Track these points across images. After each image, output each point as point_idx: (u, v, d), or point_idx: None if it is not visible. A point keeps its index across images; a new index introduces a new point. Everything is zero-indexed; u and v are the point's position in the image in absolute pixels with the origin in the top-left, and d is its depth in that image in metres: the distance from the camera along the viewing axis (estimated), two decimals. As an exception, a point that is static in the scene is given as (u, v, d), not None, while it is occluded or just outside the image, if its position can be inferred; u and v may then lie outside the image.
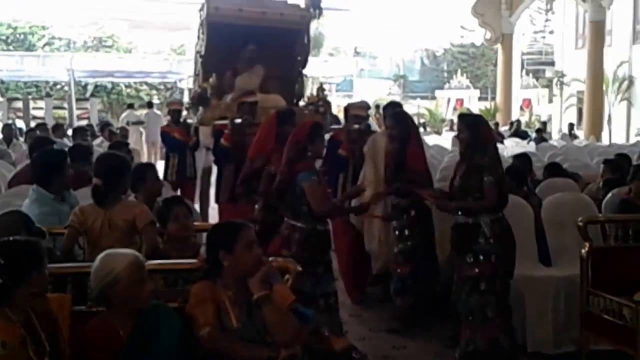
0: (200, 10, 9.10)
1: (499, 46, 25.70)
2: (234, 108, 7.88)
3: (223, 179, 7.71)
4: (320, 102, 8.85)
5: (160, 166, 9.41)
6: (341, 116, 20.55)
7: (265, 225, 5.75)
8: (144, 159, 17.23)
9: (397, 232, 6.41)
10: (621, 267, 5.39)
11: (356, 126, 7.32)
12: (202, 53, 9.05)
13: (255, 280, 3.60)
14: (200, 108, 8.82)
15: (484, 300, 5.31)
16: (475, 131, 5.45)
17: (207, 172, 10.65)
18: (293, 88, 9.48)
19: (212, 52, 8.93)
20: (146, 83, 32.74)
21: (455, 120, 27.22)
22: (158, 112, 21.19)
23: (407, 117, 6.72)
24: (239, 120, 7.45)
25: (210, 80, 8.58)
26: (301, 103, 9.48)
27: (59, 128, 13.07)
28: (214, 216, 9.14)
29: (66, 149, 6.93)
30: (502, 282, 5.39)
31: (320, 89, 9.14)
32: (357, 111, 7.56)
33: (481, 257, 5.30)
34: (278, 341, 3.61)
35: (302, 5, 9.43)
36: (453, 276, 5.65)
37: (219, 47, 8.88)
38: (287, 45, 9.40)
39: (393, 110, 6.91)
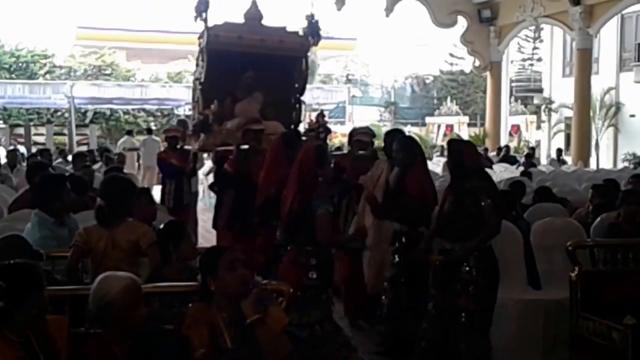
0: (200, 37, 9.09)
1: (487, 74, 25.76)
2: (238, 135, 7.84)
3: (222, 205, 7.67)
4: (321, 128, 8.80)
5: (157, 191, 9.38)
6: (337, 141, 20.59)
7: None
8: (140, 183, 17.21)
9: (391, 258, 6.20)
10: (610, 291, 5.38)
11: (361, 152, 7.28)
12: (202, 80, 9.02)
13: (247, 304, 3.60)
14: (202, 134, 8.78)
15: (461, 333, 5.18)
16: (458, 156, 5.39)
17: (195, 196, 10.63)
18: (291, 114, 9.46)
19: (212, 79, 8.90)
20: (144, 110, 32.72)
21: (446, 146, 27.35)
22: (156, 138, 21.23)
23: (413, 144, 6.41)
24: (245, 147, 7.41)
25: (212, 107, 8.54)
26: (299, 129, 9.44)
27: (78, 157, 12.51)
28: (211, 240, 9.12)
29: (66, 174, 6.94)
30: (480, 316, 5.20)
31: (321, 115, 9.10)
32: (360, 137, 7.55)
33: (458, 287, 5.18)
34: None
35: (301, 33, 9.42)
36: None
37: (218, 74, 8.85)
38: (286, 72, 9.38)
39: (400, 136, 6.71)
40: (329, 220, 4.99)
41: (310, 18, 9.22)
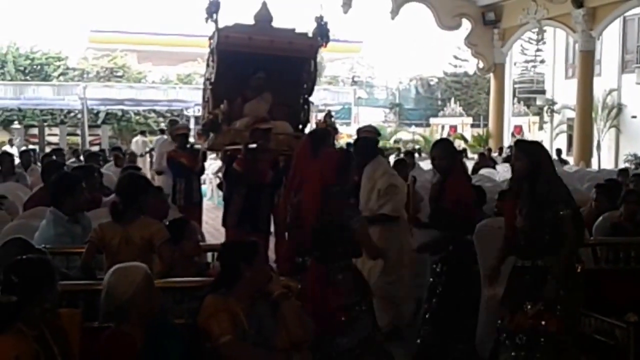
0: (211, 38, 9.04)
1: (491, 75, 25.70)
2: (246, 134, 7.81)
3: (232, 203, 7.65)
4: (329, 128, 8.73)
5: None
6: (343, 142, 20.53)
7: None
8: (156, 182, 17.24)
9: (432, 267, 5.61)
10: (612, 289, 5.36)
11: None
12: (212, 80, 8.97)
13: (274, 282, 3.76)
14: (211, 134, 8.76)
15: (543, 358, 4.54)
16: (536, 160, 4.62)
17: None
18: (299, 115, 9.40)
19: (222, 79, 8.84)
20: (154, 111, 32.89)
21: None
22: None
23: (454, 150, 5.86)
24: (253, 146, 7.38)
25: (222, 106, 8.51)
26: (307, 130, 9.38)
27: (91, 157, 12.66)
28: (218, 238, 9.14)
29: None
30: (566, 341, 4.58)
31: (328, 115, 9.03)
32: (364, 134, 7.50)
33: (542, 308, 4.50)
34: (295, 340, 3.68)
35: (310, 34, 9.36)
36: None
37: (228, 75, 8.79)
38: (294, 73, 9.30)
39: (440, 140, 6.15)
40: (368, 231, 4.57)
41: (320, 20, 9.17)
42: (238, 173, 7.47)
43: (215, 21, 8.67)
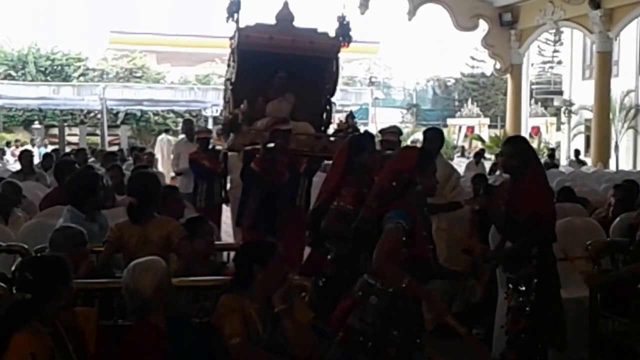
0: (231, 38, 8.99)
1: (508, 76, 25.53)
2: (266, 134, 7.78)
3: (248, 203, 7.63)
4: (350, 129, 8.66)
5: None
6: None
7: (337, 282, 4.78)
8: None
9: (510, 285, 4.86)
10: (629, 290, 5.30)
11: (389, 152, 7.17)
12: (233, 80, 8.94)
13: (277, 295, 3.64)
14: (231, 134, 8.73)
15: None
16: None
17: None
18: (321, 115, 9.33)
19: (243, 79, 8.79)
20: (173, 111, 32.98)
21: (467, 147, 27.11)
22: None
23: (528, 149, 5.00)
24: (271, 145, 7.35)
25: (242, 106, 8.46)
26: (329, 130, 9.34)
27: (109, 156, 12.99)
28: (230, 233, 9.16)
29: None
30: None
31: (350, 115, 8.96)
32: (388, 136, 7.43)
33: None
34: (298, 355, 3.60)
35: (331, 34, 9.29)
36: None
37: (249, 75, 8.74)
38: (316, 73, 9.21)
39: (513, 138, 5.57)
40: (395, 240, 3.55)
41: (342, 19, 9.09)
42: (255, 173, 7.44)
43: (236, 21, 8.63)
